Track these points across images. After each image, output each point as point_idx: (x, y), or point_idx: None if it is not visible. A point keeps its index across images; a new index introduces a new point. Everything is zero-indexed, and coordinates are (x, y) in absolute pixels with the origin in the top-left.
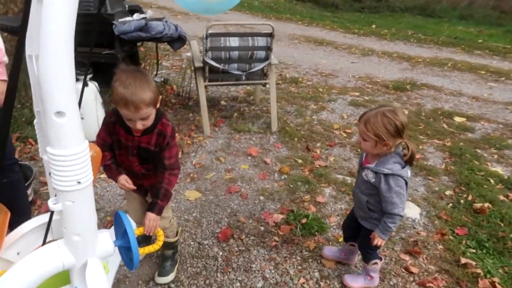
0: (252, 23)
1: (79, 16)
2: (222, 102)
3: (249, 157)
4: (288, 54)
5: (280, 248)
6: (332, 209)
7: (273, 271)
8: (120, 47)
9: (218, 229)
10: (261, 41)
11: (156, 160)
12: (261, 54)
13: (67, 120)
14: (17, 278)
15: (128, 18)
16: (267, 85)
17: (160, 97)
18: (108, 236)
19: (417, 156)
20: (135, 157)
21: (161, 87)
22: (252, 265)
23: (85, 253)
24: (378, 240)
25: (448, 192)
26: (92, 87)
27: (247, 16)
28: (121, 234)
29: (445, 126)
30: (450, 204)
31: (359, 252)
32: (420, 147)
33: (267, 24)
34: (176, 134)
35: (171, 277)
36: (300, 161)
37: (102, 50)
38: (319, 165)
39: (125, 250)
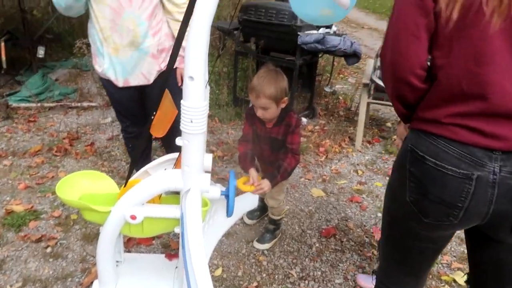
0: None
1: (275, 25)
2: (388, 124)
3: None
4: None
5: (373, 261)
6: (452, 249)
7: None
8: (300, 55)
9: (325, 226)
10: None
11: (282, 152)
12: None
13: (194, 84)
14: (148, 185)
15: (313, 31)
16: None
17: (286, 98)
18: (208, 177)
19: None
20: (267, 145)
21: (333, 97)
22: (340, 264)
23: (190, 182)
24: None
25: None
26: None
27: None
28: (229, 187)
29: None
30: None
31: None
32: None
33: None
34: (327, 141)
35: (265, 246)
36: None
37: (286, 56)
38: None
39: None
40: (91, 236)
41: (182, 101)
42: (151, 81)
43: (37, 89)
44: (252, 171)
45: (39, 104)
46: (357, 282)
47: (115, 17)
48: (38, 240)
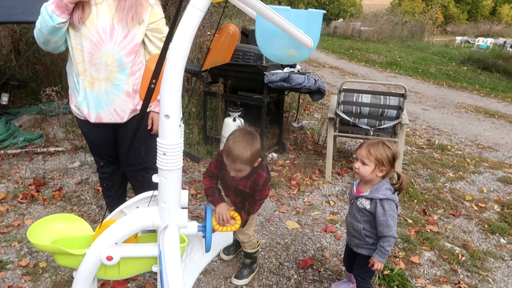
0: (386, 83)
1: (242, 65)
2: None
3: None
4: (448, 121)
5: None
6: (425, 272)
7: None
8: (267, 94)
9: (301, 257)
10: (393, 101)
11: (248, 197)
12: (392, 112)
13: (170, 122)
14: (124, 225)
15: (279, 71)
16: (396, 143)
17: (260, 159)
18: (186, 213)
19: None
20: (232, 192)
21: (301, 132)
22: None
23: (168, 218)
24: (377, 264)
25: None
26: (238, 123)
27: (416, 81)
28: (205, 222)
29: None
30: None
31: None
32: None
33: (400, 85)
34: (298, 174)
35: (243, 282)
36: (410, 221)
37: (253, 94)
38: (430, 229)
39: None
40: (62, 283)
41: (158, 139)
42: (125, 119)
43: (0, 136)
44: (222, 206)
45: (2, 151)
46: None
47: (94, 50)
48: None
